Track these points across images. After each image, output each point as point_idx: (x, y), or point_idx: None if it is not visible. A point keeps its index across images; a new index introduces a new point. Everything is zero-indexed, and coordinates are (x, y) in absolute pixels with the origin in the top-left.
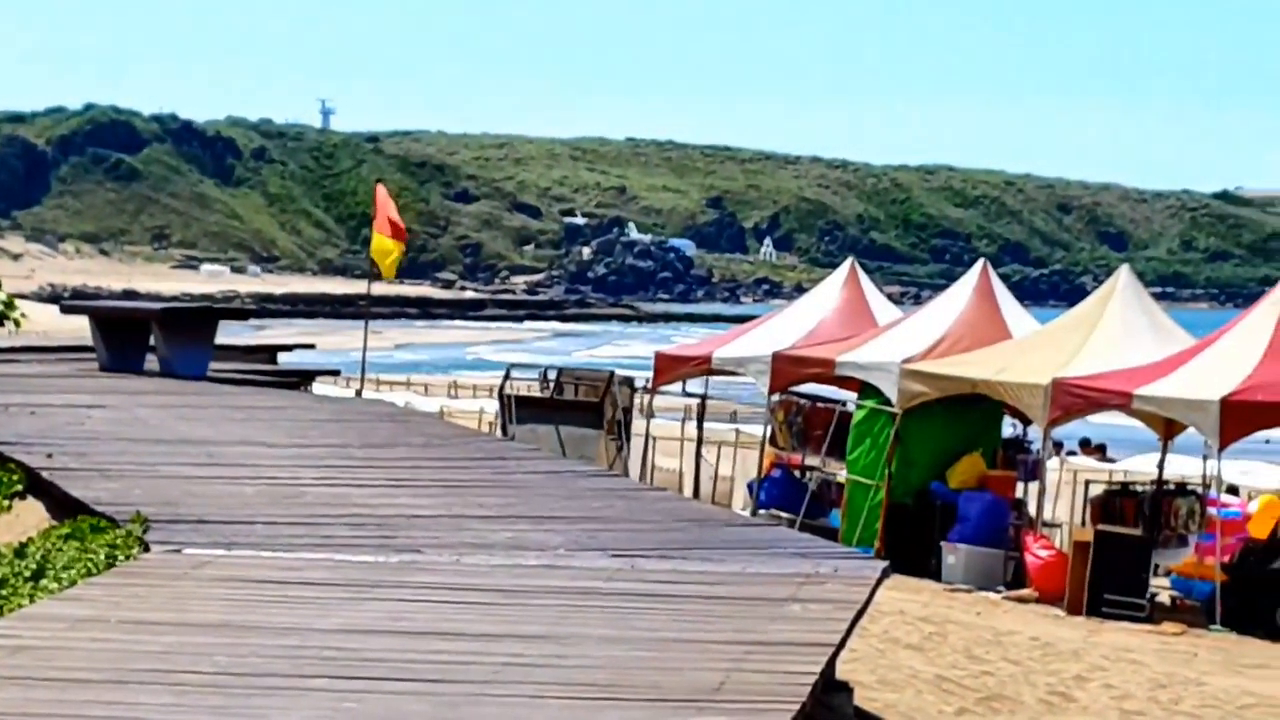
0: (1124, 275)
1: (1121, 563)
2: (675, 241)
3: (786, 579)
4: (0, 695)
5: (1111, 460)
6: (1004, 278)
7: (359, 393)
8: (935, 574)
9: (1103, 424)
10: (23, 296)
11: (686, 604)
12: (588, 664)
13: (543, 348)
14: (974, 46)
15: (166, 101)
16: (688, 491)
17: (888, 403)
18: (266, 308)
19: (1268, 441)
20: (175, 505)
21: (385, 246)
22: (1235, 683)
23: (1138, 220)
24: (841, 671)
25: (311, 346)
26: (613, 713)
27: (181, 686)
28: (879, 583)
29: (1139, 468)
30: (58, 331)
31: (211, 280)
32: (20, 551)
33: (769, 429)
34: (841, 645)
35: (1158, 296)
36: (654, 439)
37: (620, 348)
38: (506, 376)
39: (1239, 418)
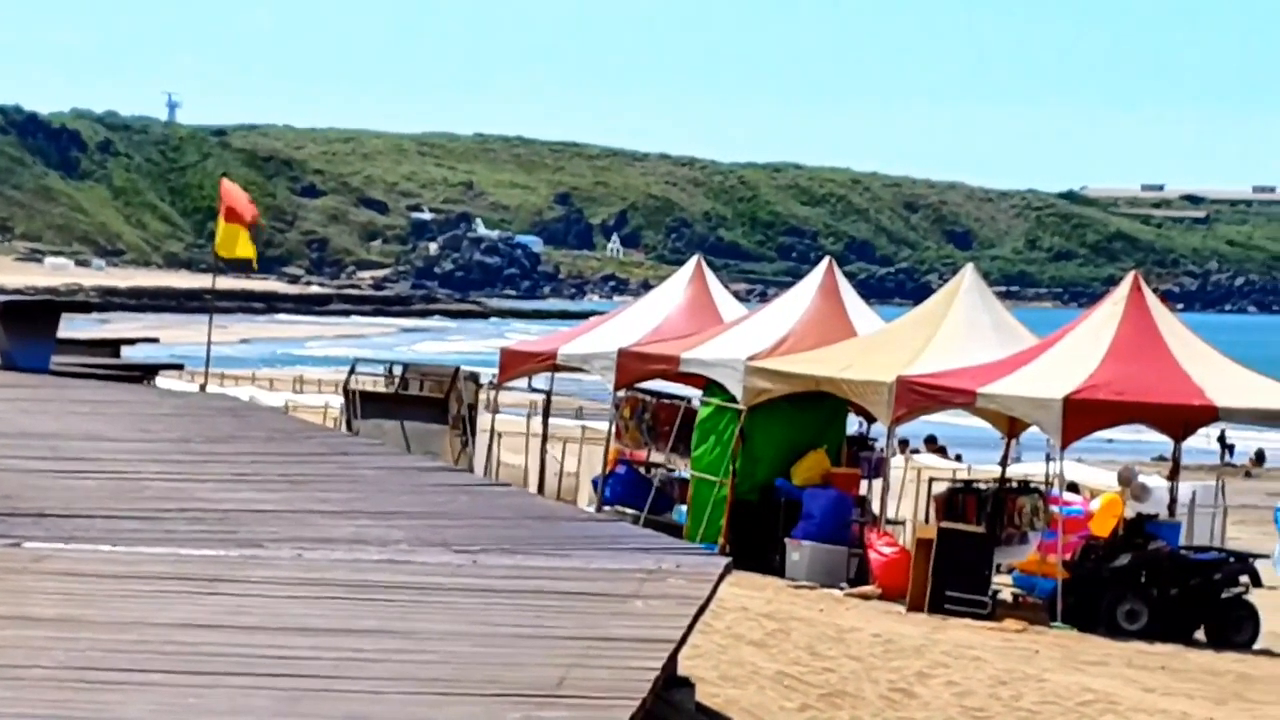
0: (968, 274)
1: (964, 560)
2: (522, 238)
3: (629, 575)
4: None
5: (956, 458)
6: (850, 276)
7: (203, 387)
8: (779, 570)
9: (949, 423)
10: None
11: (529, 600)
12: (429, 659)
13: (389, 343)
14: (820, 45)
15: (10, 93)
16: (532, 487)
17: (733, 399)
18: (111, 301)
19: (1110, 441)
20: (15, 499)
21: (233, 233)
22: (1075, 679)
23: (983, 219)
24: (684, 667)
25: (155, 341)
26: (453, 708)
27: (20, 681)
28: (721, 579)
29: (988, 466)
30: None
31: (55, 273)
32: None
33: (614, 425)
34: (683, 641)
35: (1002, 295)
36: (499, 435)
37: (466, 343)
38: (352, 371)
39: (1081, 416)
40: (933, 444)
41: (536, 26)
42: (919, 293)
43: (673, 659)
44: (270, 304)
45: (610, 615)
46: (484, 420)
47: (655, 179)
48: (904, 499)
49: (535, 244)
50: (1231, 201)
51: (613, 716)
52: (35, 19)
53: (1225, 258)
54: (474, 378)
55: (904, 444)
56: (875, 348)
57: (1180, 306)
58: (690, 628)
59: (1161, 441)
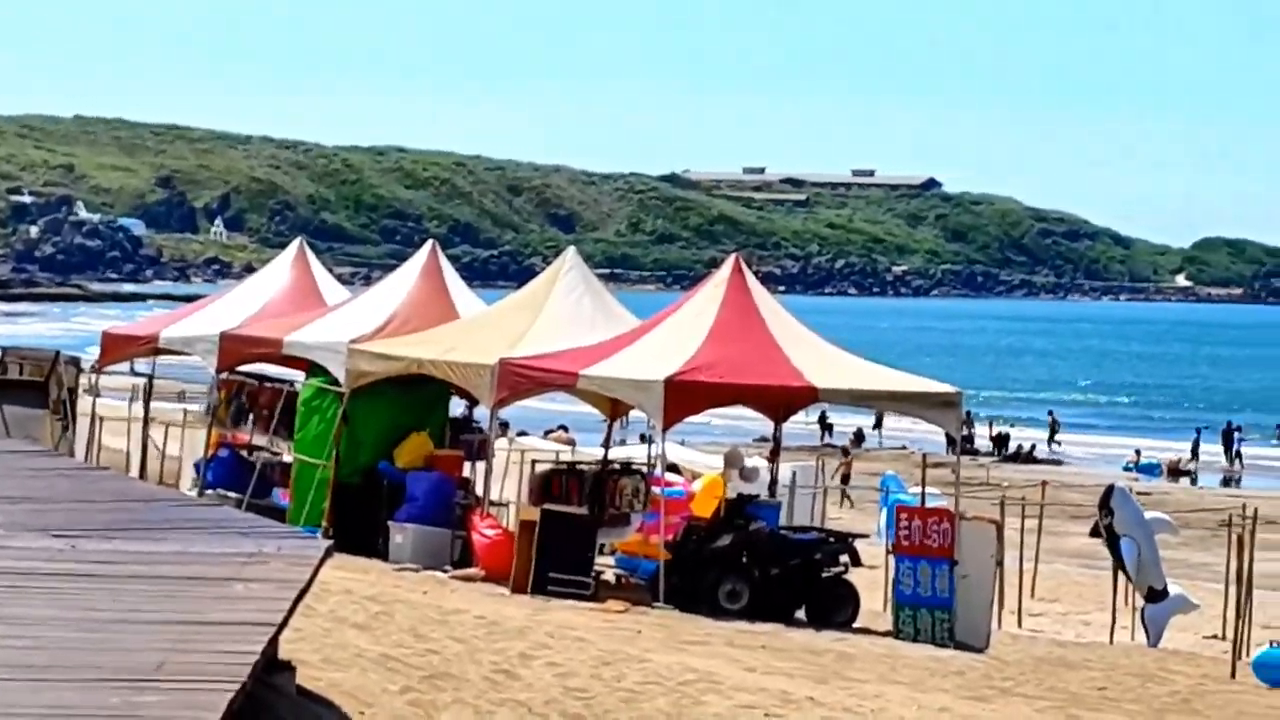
0: (570, 257)
1: (566, 541)
2: (124, 221)
3: (229, 559)
4: None
5: (571, 442)
6: (454, 259)
7: None
8: (383, 553)
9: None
10: None
11: (128, 584)
12: (26, 645)
13: None
14: (420, 28)
15: None
16: (134, 471)
17: (336, 382)
18: None
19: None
20: None
21: None
22: (677, 659)
23: (587, 202)
24: (285, 651)
25: None
26: (51, 693)
27: None
28: (322, 562)
29: (592, 449)
30: None
31: None
32: None
33: (214, 409)
34: (284, 624)
35: (606, 278)
36: (100, 419)
37: (67, 326)
38: None
39: (682, 398)
40: (563, 430)
41: (137, 6)
42: (523, 276)
43: (273, 642)
44: None
45: (211, 599)
46: (85, 404)
47: (259, 162)
48: (508, 481)
49: (137, 227)
50: (831, 185)
51: (212, 700)
52: None
53: (825, 240)
54: (75, 361)
55: (505, 426)
56: (478, 330)
57: (781, 289)
58: (291, 611)
59: (763, 423)
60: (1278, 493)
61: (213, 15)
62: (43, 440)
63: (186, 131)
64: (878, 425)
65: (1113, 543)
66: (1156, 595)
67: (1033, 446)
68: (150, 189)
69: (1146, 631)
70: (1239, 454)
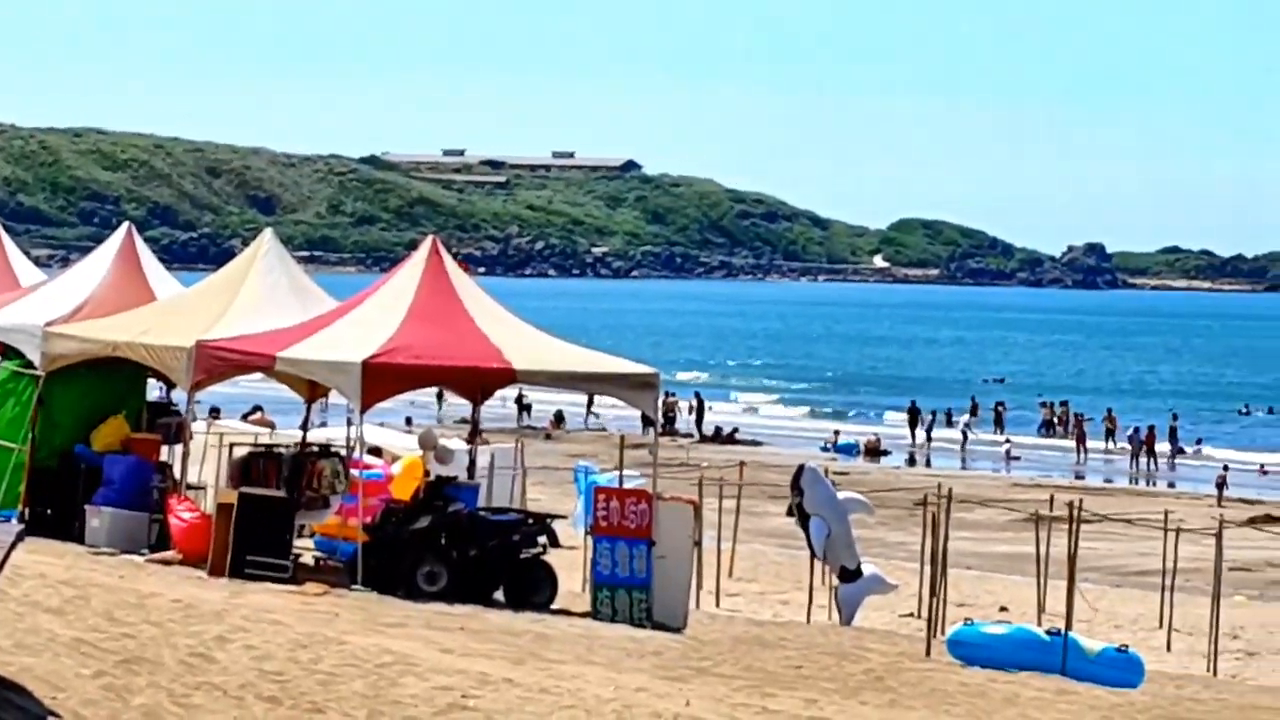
0: (268, 239)
1: (264, 524)
2: None
3: None
4: None
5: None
6: (152, 241)
7: None
8: (80, 537)
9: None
10: None
11: None
12: None
13: None
14: (120, 9)
15: None
16: None
17: (31, 365)
18: None
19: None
20: None
21: None
22: (375, 641)
23: (287, 184)
24: None
25: None
26: None
27: None
28: (14, 546)
29: (291, 431)
30: None
31: None
32: None
33: None
34: None
35: (306, 260)
36: None
37: None
38: None
39: (380, 380)
40: (259, 411)
41: None
42: (222, 258)
43: None
44: None
45: None
46: None
47: None
48: (206, 464)
49: None
50: (531, 167)
51: None
52: None
53: (526, 222)
54: None
55: (215, 412)
56: (175, 313)
57: (482, 270)
58: None
59: (463, 404)
60: (972, 472)
61: None
62: None
63: None
64: (590, 405)
65: (803, 522)
66: (849, 575)
67: (734, 430)
68: None
69: (840, 611)
70: (929, 434)
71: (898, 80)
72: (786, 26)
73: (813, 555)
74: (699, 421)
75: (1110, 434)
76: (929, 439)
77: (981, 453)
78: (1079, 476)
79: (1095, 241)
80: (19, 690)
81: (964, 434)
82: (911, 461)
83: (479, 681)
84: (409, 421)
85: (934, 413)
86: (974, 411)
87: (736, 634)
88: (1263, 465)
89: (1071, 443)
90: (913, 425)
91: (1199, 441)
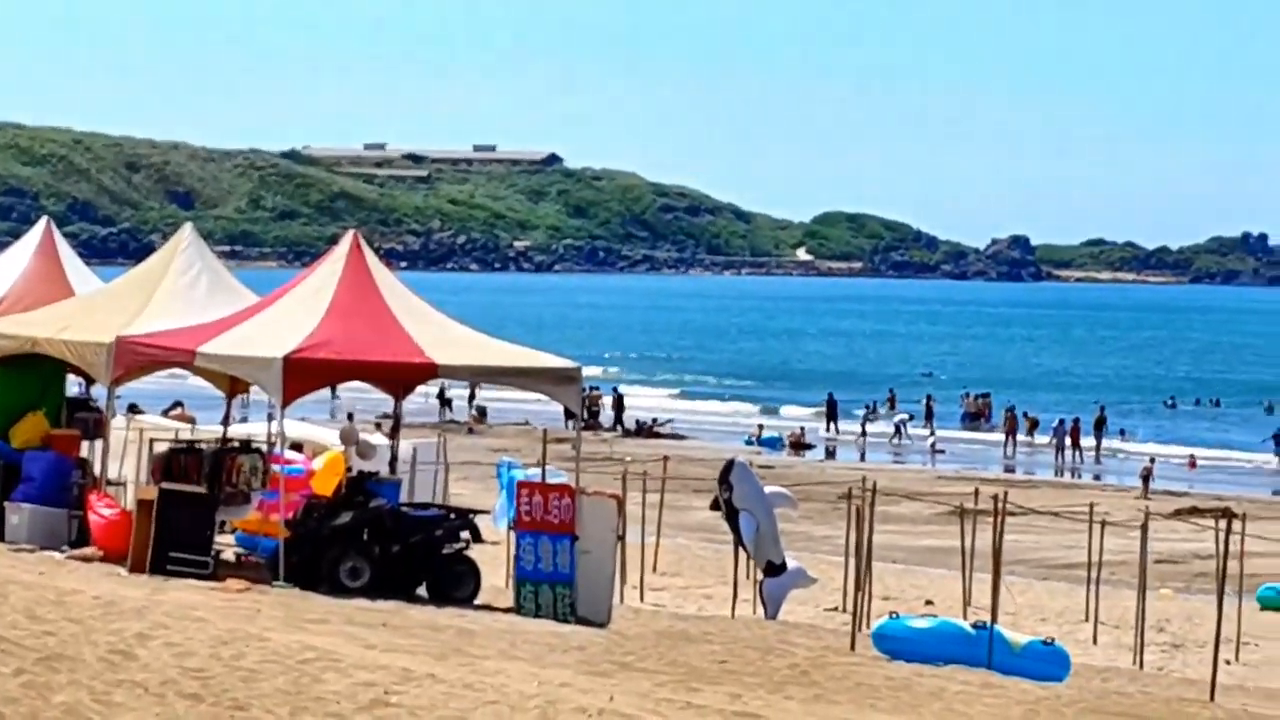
0: (187, 233)
1: (185, 520)
2: None
3: None
4: None
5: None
6: (72, 236)
7: None
8: None
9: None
10: None
11: None
12: None
13: None
14: (37, 2)
15: None
16: None
17: None
18: None
19: (336, 397)
20: None
21: None
22: (297, 638)
23: (207, 179)
24: None
25: None
26: None
27: None
28: None
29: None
30: None
31: None
32: None
33: None
34: None
35: (227, 255)
36: None
37: None
38: None
39: (301, 375)
40: (179, 407)
41: None
42: (141, 253)
43: None
44: None
45: None
46: None
47: None
48: (126, 460)
49: None
50: (453, 161)
51: None
52: None
53: (447, 216)
54: None
55: (135, 409)
56: (94, 308)
57: (404, 265)
58: None
59: (385, 399)
60: (897, 466)
61: None
62: None
63: None
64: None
65: (731, 517)
66: (775, 569)
67: (659, 423)
68: None
69: (765, 605)
70: (864, 428)
71: (821, 73)
72: (709, 19)
73: (739, 549)
74: (618, 417)
75: (1033, 428)
76: (864, 433)
77: (908, 446)
78: (1008, 469)
79: (1020, 234)
80: None
81: (898, 429)
82: (830, 454)
83: (401, 677)
84: (350, 417)
85: (868, 406)
86: (891, 405)
87: (661, 629)
88: (1193, 457)
89: (996, 436)
90: (830, 419)
91: (1122, 433)
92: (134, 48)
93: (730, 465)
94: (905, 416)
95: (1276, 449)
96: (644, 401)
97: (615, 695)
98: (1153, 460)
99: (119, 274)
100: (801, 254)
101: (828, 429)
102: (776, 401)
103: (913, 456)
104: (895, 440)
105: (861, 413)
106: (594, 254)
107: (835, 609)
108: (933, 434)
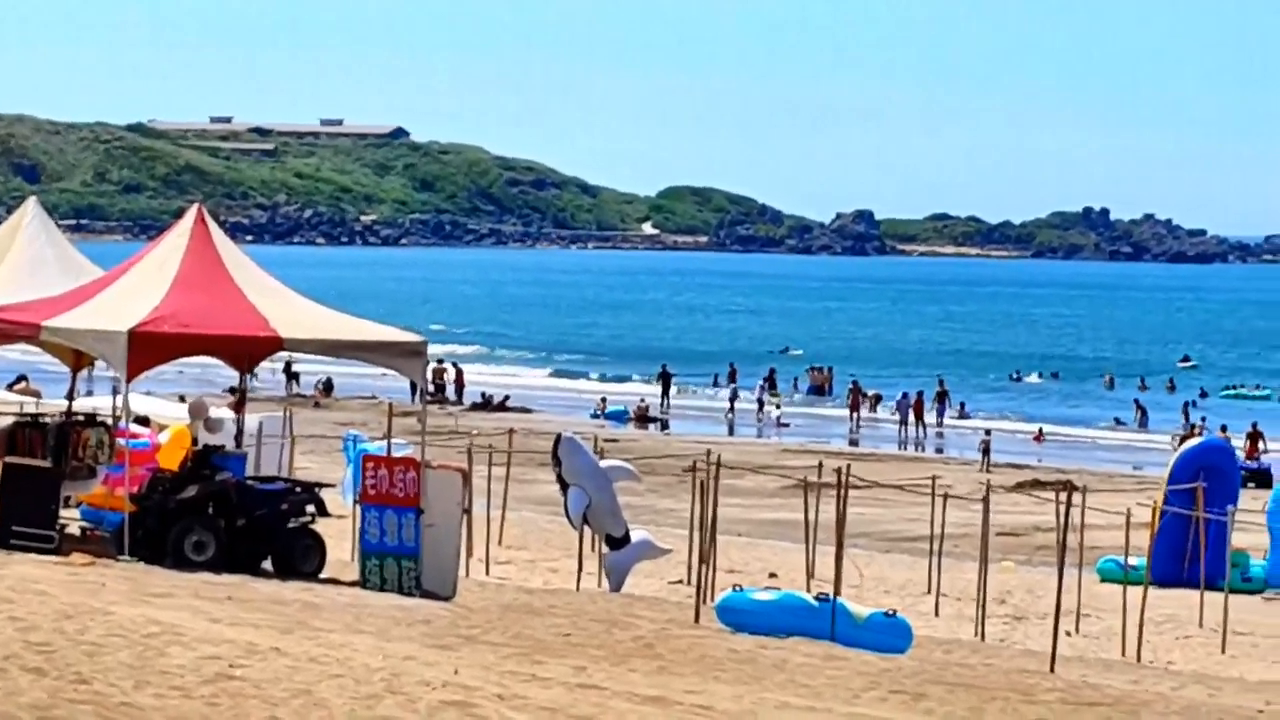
0: (31, 207)
1: (30, 495)
2: None
3: None
4: None
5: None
6: None
7: None
8: None
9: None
10: None
11: None
12: None
13: None
14: None
15: None
16: None
17: None
18: None
19: (181, 372)
20: None
21: None
22: (142, 611)
23: (52, 152)
24: None
25: None
26: None
27: None
28: None
29: (58, 400)
30: None
31: None
32: None
33: None
34: None
35: (72, 229)
36: None
37: None
38: None
39: (146, 349)
40: (24, 381)
41: None
42: None
43: None
44: None
45: None
46: None
47: None
48: None
49: None
50: (299, 134)
51: None
52: None
53: (294, 190)
54: None
55: None
56: None
57: (250, 239)
58: None
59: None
60: (741, 439)
61: None
62: None
63: None
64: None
65: (564, 492)
66: (617, 543)
67: (505, 397)
68: None
69: (609, 578)
70: (733, 402)
71: (664, 48)
72: None
73: (571, 524)
74: (459, 391)
75: (876, 402)
76: (732, 408)
77: (765, 419)
78: (852, 443)
79: (864, 208)
80: None
81: (760, 402)
82: (664, 427)
83: (246, 651)
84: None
85: (731, 378)
86: (732, 378)
87: (506, 602)
88: (1040, 430)
89: (840, 410)
90: (665, 391)
91: (962, 406)
92: None
93: (558, 440)
94: (762, 386)
95: (1184, 423)
96: (489, 374)
97: (460, 668)
98: (989, 433)
99: None
100: (648, 228)
101: (663, 402)
102: (622, 376)
103: (745, 429)
104: (761, 415)
105: (705, 388)
106: (440, 228)
107: (680, 582)
108: (778, 408)
